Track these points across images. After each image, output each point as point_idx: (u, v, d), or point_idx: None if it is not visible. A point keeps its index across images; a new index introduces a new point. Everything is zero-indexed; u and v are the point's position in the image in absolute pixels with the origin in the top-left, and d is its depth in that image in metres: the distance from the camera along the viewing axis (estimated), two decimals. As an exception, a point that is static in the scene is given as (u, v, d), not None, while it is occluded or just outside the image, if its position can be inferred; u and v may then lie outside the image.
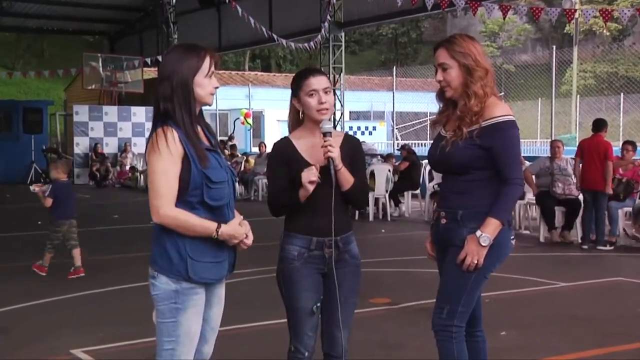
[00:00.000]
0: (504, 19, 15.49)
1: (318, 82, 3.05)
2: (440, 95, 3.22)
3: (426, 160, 12.52)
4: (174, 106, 2.68)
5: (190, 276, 2.69)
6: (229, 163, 2.92)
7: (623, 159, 9.56)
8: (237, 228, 2.74)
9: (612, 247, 9.01)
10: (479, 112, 3.04)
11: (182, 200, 2.67)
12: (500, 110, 3.05)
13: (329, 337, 3.14)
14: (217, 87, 2.79)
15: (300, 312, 3.07)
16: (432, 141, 3.33)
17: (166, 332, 2.75)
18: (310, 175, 2.95)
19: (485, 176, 3.07)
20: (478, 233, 2.99)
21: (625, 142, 9.91)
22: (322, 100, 3.03)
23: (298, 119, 3.13)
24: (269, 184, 3.20)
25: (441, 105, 3.27)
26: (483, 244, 2.99)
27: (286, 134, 3.20)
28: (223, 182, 2.74)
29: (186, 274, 2.69)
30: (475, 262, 3.01)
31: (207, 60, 2.73)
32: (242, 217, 2.87)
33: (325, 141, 2.98)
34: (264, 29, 17.94)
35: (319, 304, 3.10)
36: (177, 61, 2.71)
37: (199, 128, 2.80)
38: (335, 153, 2.98)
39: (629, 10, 12.93)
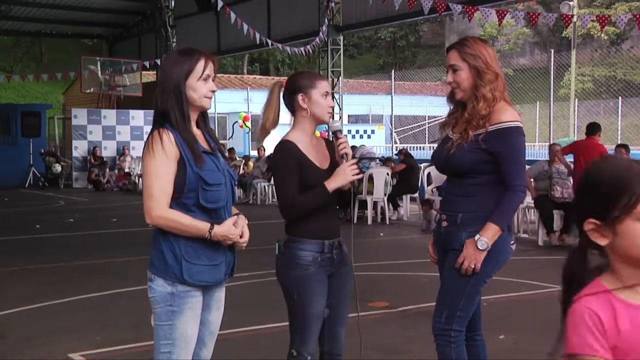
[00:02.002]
0: (500, 24, 15.55)
1: (328, 87, 3.16)
2: (451, 98, 3.21)
3: (424, 164, 12.59)
4: (168, 109, 2.70)
5: (185, 279, 2.69)
6: (229, 166, 2.91)
7: None
8: (231, 229, 2.72)
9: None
10: (486, 116, 3.03)
11: (178, 202, 2.68)
12: (508, 115, 3.05)
13: (333, 336, 3.16)
14: (213, 91, 2.77)
15: (312, 317, 3.07)
16: (432, 144, 3.33)
17: (163, 335, 2.75)
18: (349, 170, 2.97)
19: (489, 180, 3.06)
20: (476, 237, 2.99)
21: (619, 146, 9.93)
22: (330, 104, 3.10)
23: (277, 115, 3.13)
24: (285, 185, 3.02)
25: (451, 108, 3.26)
26: (481, 248, 2.99)
27: (283, 137, 3.18)
28: (219, 184, 2.73)
29: (181, 277, 2.69)
30: (473, 266, 3.00)
31: (201, 63, 2.73)
32: (239, 213, 2.85)
33: (339, 138, 3.05)
34: (257, 34, 17.97)
35: (326, 308, 3.13)
36: (172, 65, 2.75)
37: (199, 131, 2.81)
38: (349, 150, 3.05)
39: (625, 16, 12.95)
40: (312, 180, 3.00)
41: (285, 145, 3.06)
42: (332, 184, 2.97)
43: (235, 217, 2.80)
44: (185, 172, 2.66)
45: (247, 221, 2.85)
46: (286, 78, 3.22)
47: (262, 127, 3.14)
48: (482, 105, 3.04)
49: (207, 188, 2.68)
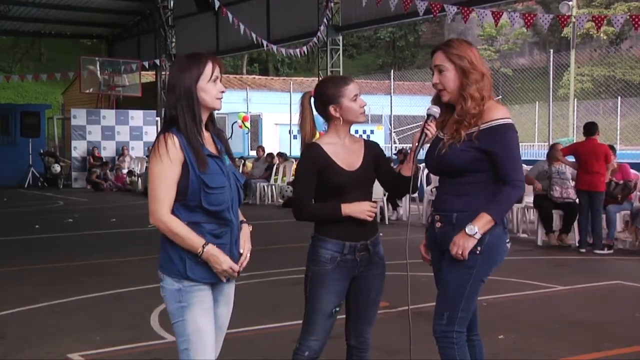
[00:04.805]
0: (496, 25, 15.56)
1: (356, 87, 3.22)
2: (436, 101, 3.21)
3: (424, 164, 12.60)
4: (177, 114, 2.77)
5: (188, 275, 2.76)
6: (235, 169, 2.94)
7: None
8: (223, 258, 2.75)
9: (611, 251, 9.00)
10: (477, 115, 3.04)
11: (182, 204, 2.75)
12: (499, 113, 3.06)
13: (358, 332, 3.29)
14: (223, 91, 2.85)
15: (318, 313, 3.16)
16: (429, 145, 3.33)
17: (179, 333, 2.82)
18: (367, 209, 3.11)
19: (482, 179, 3.06)
20: (468, 225, 3.00)
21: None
22: (362, 103, 3.21)
23: (314, 127, 3.23)
24: (297, 188, 3.23)
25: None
26: (469, 233, 2.99)
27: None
28: (222, 187, 2.78)
29: (185, 274, 2.76)
30: (461, 252, 3.00)
31: (209, 65, 2.80)
32: (245, 221, 2.93)
33: (428, 122, 3.13)
34: (254, 35, 17.98)
35: (338, 309, 3.20)
36: (180, 71, 2.81)
37: (208, 133, 2.87)
38: (430, 134, 3.14)
39: (622, 17, 12.96)
40: (335, 182, 3.13)
41: (309, 149, 3.18)
42: (347, 209, 3.11)
43: (245, 237, 2.88)
44: (189, 176, 2.73)
45: (250, 228, 2.93)
46: (313, 88, 3.29)
47: (302, 140, 3.26)
48: (471, 105, 3.05)
49: (209, 191, 2.74)
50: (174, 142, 2.72)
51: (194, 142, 2.74)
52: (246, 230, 2.93)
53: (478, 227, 2.99)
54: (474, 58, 3.10)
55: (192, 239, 2.72)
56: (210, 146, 2.84)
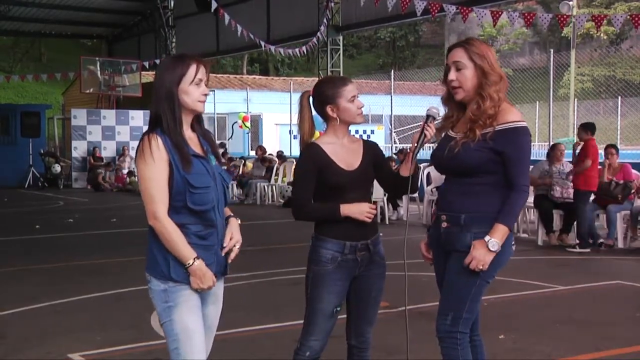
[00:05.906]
0: (495, 25, 15.56)
1: (354, 88, 3.22)
2: (448, 100, 3.19)
3: (424, 164, 12.61)
4: (160, 114, 2.78)
5: (172, 276, 2.77)
6: (224, 168, 2.95)
7: (607, 163, 9.59)
8: (208, 277, 2.77)
9: (589, 250, 9.01)
10: (493, 115, 3.02)
11: (169, 205, 2.75)
12: (514, 116, 3.04)
13: (358, 332, 3.30)
14: (206, 94, 2.85)
15: (319, 313, 3.17)
16: (431, 144, 3.32)
17: (168, 333, 2.82)
18: (366, 210, 3.12)
19: (492, 181, 3.04)
20: (487, 238, 2.96)
21: (609, 146, 9.91)
22: (360, 105, 3.21)
23: (312, 126, 3.24)
24: (296, 189, 3.24)
25: (446, 110, 3.24)
26: (492, 249, 2.96)
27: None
28: (207, 187, 2.79)
29: (169, 275, 2.77)
30: (481, 267, 2.98)
31: (193, 67, 2.79)
32: (232, 216, 2.93)
33: (427, 124, 3.13)
34: (252, 35, 17.99)
35: (338, 308, 3.21)
36: (164, 71, 2.82)
37: (194, 134, 2.87)
38: (428, 136, 3.15)
39: (622, 16, 12.97)
40: (334, 182, 3.14)
41: (308, 149, 3.19)
42: (346, 210, 3.12)
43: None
44: (173, 176, 2.74)
45: (239, 222, 2.94)
46: (312, 87, 3.30)
47: (301, 139, 3.28)
48: (489, 105, 3.01)
49: (193, 191, 2.75)
50: (157, 143, 2.73)
51: (177, 143, 2.75)
52: (234, 223, 2.93)
53: (498, 239, 2.97)
54: (493, 60, 3.07)
55: (185, 249, 2.73)
56: (195, 147, 2.84)
